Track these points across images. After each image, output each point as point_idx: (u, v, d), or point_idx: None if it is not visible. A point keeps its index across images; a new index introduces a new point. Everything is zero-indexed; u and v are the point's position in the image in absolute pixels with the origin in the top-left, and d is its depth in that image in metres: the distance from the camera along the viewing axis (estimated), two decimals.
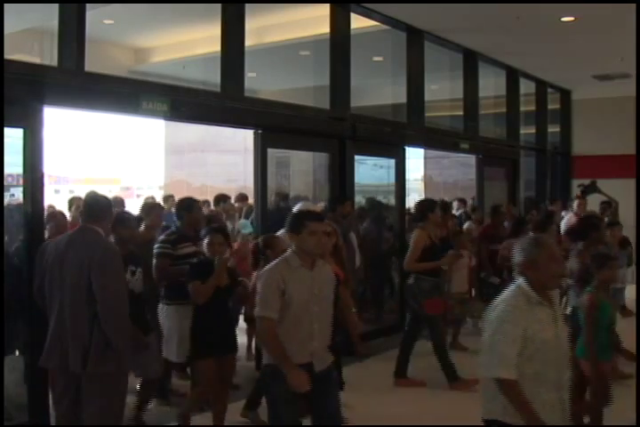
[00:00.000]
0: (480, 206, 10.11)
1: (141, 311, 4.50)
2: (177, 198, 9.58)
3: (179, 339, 4.95)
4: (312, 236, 3.51)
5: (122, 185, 26.74)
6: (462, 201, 11.30)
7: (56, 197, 13.72)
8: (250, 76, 6.70)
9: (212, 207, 8.57)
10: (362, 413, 5.02)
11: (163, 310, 5.20)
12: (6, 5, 4.41)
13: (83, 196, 6.49)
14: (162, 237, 5.25)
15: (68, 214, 7.13)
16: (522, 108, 11.77)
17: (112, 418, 3.83)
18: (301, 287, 3.48)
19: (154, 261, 5.14)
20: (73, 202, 7.93)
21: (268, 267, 3.61)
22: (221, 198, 8.47)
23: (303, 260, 3.54)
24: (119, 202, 7.49)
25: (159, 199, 9.91)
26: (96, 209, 3.99)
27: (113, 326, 3.70)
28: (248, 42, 6.47)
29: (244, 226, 8.00)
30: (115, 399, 3.85)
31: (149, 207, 5.89)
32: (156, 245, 5.19)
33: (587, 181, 10.57)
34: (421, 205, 6.38)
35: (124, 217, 4.74)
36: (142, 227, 5.54)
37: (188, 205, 5.45)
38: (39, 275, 3.97)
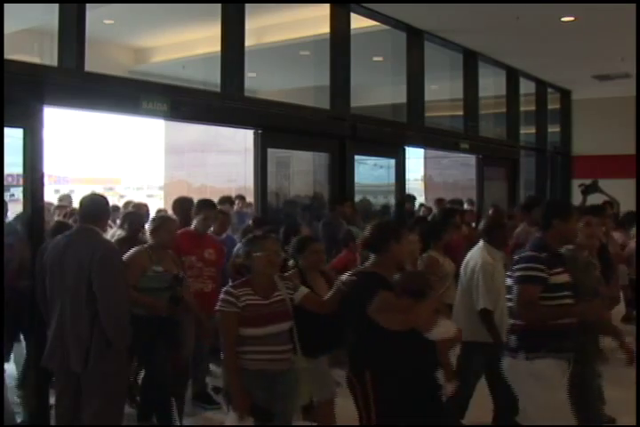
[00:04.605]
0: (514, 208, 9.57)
1: None
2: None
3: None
4: None
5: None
6: (459, 203, 10.82)
7: (56, 197, 13.66)
8: (250, 76, 6.70)
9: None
10: None
11: (514, 366, 3.52)
12: (6, 5, 4.40)
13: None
14: (529, 254, 3.53)
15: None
16: (522, 108, 11.78)
17: (112, 418, 3.83)
18: None
19: (514, 288, 3.51)
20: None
21: None
22: (227, 200, 8.41)
23: None
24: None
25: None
26: (94, 210, 3.98)
27: (113, 325, 3.69)
28: (248, 42, 6.48)
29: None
30: (115, 399, 3.84)
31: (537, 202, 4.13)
32: (520, 265, 3.51)
33: (587, 181, 10.56)
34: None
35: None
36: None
37: (397, 235, 3.40)
38: (39, 275, 3.97)
